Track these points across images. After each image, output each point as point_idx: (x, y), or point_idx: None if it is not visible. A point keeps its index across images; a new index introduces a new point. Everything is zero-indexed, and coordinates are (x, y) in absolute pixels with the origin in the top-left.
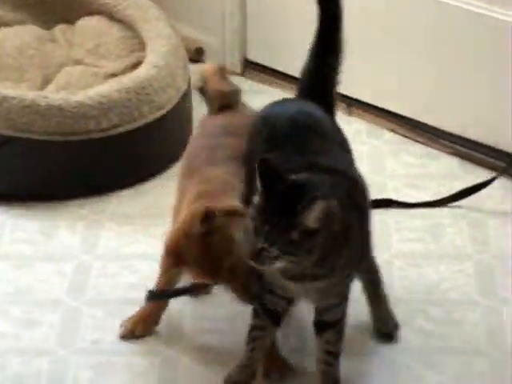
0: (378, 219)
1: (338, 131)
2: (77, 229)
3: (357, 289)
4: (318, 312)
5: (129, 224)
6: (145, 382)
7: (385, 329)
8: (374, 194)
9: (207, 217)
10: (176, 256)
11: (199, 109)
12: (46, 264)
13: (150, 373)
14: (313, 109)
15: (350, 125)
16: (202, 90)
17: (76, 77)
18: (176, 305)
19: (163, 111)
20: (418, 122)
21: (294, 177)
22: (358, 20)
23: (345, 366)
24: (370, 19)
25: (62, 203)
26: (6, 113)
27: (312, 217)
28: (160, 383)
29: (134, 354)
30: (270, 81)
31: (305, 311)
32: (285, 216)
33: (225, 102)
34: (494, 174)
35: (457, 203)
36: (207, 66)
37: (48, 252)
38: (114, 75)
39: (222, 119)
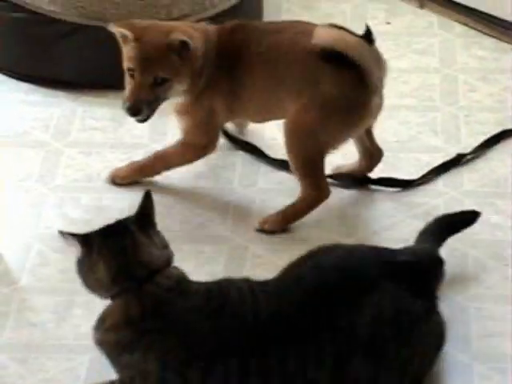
0: None
1: None
2: None
3: None
4: None
5: None
6: None
7: None
8: (445, 85)
9: None
10: None
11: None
12: (116, 152)
13: None
14: None
15: (421, 17)
16: None
17: None
18: None
19: (234, 1)
20: (491, 16)
21: None
22: None
23: None
24: None
25: None
26: (77, 0)
27: None
28: None
29: None
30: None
31: None
32: None
33: None
34: None
35: None
36: None
37: (118, 140)
38: None
39: None
